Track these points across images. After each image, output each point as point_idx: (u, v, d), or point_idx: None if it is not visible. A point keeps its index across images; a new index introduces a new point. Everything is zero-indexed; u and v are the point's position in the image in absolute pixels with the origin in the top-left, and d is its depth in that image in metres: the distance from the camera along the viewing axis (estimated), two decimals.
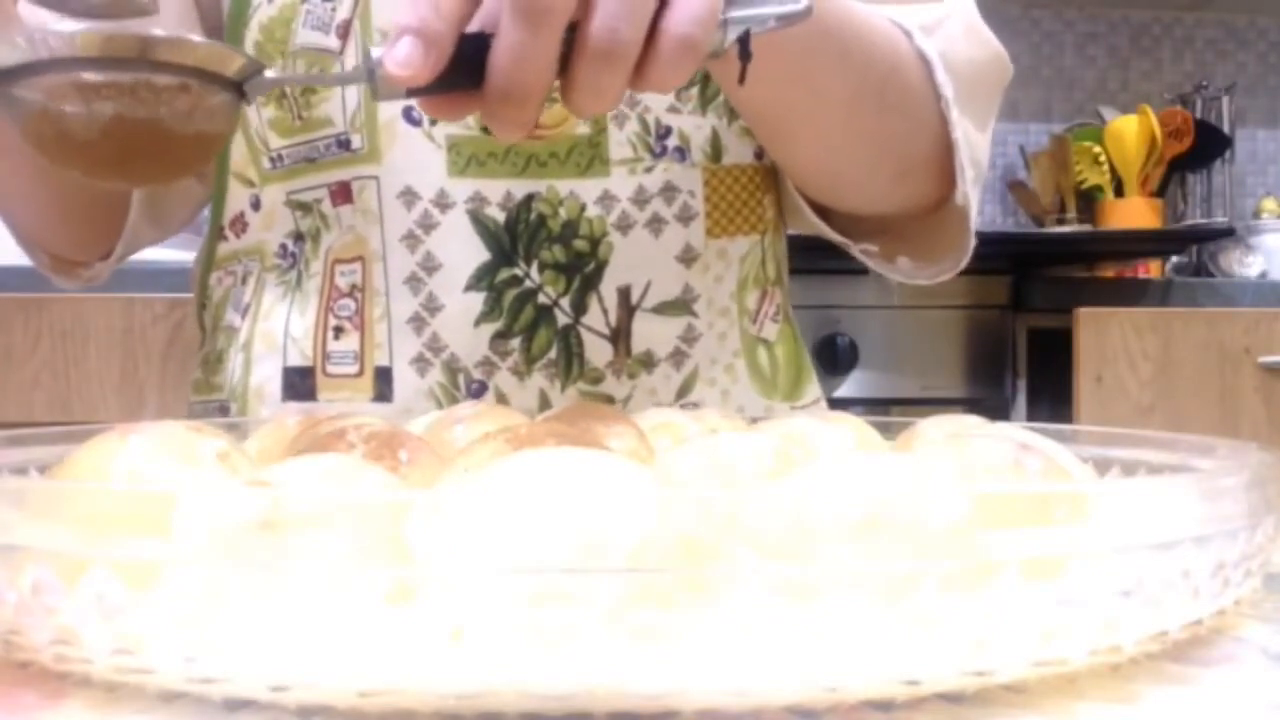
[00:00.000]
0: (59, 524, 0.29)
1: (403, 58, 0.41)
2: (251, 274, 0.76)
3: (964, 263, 0.75)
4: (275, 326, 0.74)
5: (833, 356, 1.72)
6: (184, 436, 0.38)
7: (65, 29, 0.42)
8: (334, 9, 0.69)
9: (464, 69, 0.42)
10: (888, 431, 0.53)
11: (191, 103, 0.42)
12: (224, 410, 0.76)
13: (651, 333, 0.72)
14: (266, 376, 0.73)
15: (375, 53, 0.42)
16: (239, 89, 0.44)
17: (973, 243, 0.73)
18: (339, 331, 0.72)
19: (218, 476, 0.37)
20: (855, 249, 0.78)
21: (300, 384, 0.72)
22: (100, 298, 1.61)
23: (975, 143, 0.69)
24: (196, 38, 0.44)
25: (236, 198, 0.76)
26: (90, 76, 0.41)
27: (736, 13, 0.44)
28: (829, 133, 0.67)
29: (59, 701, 0.29)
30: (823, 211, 0.77)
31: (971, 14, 0.71)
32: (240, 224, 0.77)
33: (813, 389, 0.82)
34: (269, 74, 0.46)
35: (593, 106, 0.44)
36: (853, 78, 0.63)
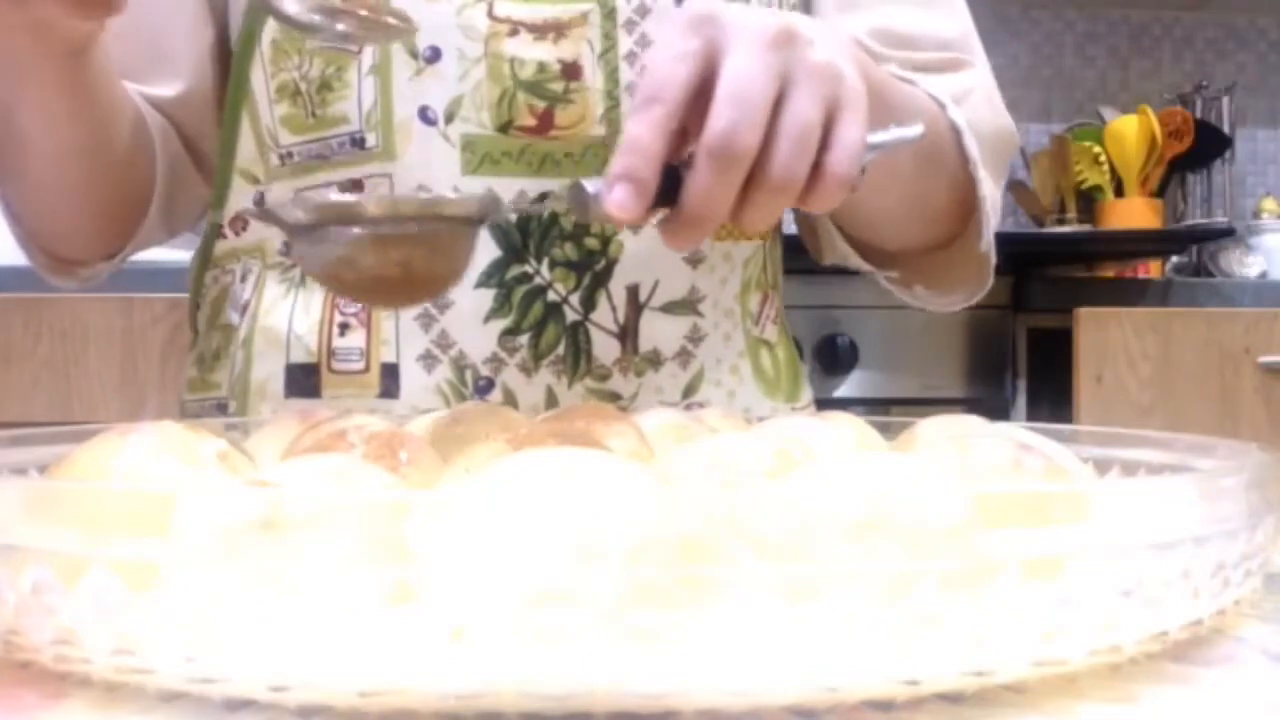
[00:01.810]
0: (59, 524, 0.29)
1: (620, 200, 0.48)
2: (251, 272, 0.76)
3: (978, 296, 0.81)
4: (278, 323, 0.74)
5: (833, 356, 1.72)
6: (184, 436, 0.38)
7: (349, 196, 0.56)
8: None
9: (658, 194, 0.49)
10: (888, 431, 0.53)
11: (452, 243, 0.53)
12: (222, 408, 0.76)
13: (658, 331, 0.73)
14: (268, 374, 0.73)
15: (589, 186, 0.49)
16: (480, 222, 0.54)
17: (990, 282, 0.80)
18: (344, 328, 0.72)
19: (218, 476, 0.37)
20: (881, 276, 0.82)
21: (304, 381, 0.73)
22: (100, 298, 1.61)
23: (993, 198, 0.75)
24: (453, 195, 0.57)
25: (239, 196, 0.76)
26: (385, 230, 0.51)
27: (874, 139, 0.51)
28: (884, 192, 0.72)
29: (59, 701, 0.29)
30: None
31: (991, 86, 0.79)
32: (240, 222, 0.77)
33: (807, 391, 0.84)
34: (505, 203, 0.55)
35: (761, 226, 0.51)
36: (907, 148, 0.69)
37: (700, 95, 0.48)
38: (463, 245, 0.53)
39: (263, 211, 0.53)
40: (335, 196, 0.53)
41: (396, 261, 0.50)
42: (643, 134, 0.48)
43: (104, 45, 0.66)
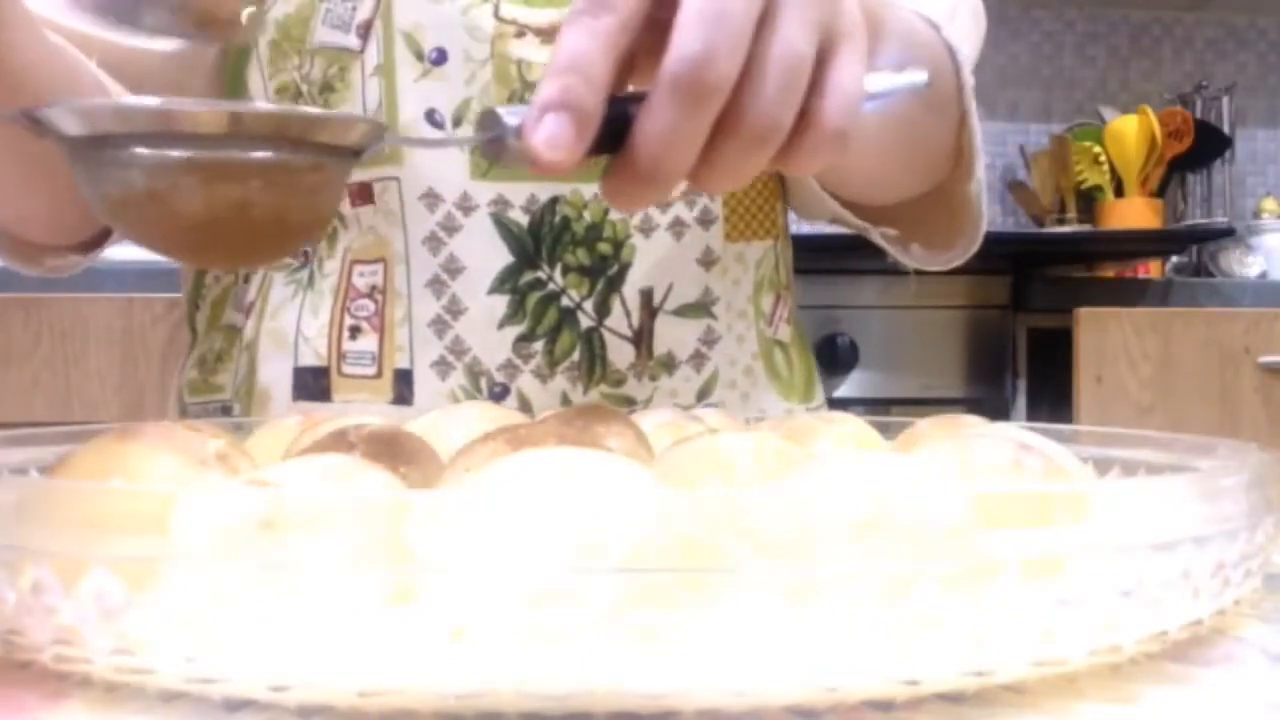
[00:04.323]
0: (59, 524, 0.29)
1: (553, 136, 0.36)
2: (255, 272, 0.75)
3: (974, 248, 0.74)
4: (285, 326, 0.73)
5: (833, 356, 1.72)
6: (184, 436, 0.38)
7: (155, 101, 0.36)
8: (354, 8, 0.69)
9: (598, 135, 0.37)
10: (888, 431, 0.53)
11: (321, 180, 0.37)
12: (226, 411, 0.76)
13: (672, 334, 0.73)
14: (275, 377, 0.73)
15: (508, 119, 0.37)
16: (356, 154, 0.39)
17: (984, 227, 0.73)
18: (355, 332, 0.71)
19: (218, 476, 0.37)
20: (875, 233, 0.77)
21: (313, 384, 0.72)
22: (100, 298, 1.61)
23: (979, 131, 0.69)
24: (320, 111, 0.40)
25: None
26: (214, 156, 0.35)
27: (873, 87, 0.42)
28: (876, 152, 0.66)
29: (59, 701, 0.29)
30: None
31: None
32: None
33: (820, 390, 0.83)
34: (387, 138, 0.41)
35: (727, 186, 0.41)
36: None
37: (660, 8, 0.38)
38: (334, 183, 0.38)
39: (23, 116, 0.36)
40: (134, 101, 0.35)
41: (231, 203, 0.35)
42: (587, 47, 0.37)
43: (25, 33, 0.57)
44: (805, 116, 0.39)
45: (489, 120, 0.38)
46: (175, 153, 0.34)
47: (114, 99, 0.37)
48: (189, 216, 0.35)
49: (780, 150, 0.39)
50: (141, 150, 0.35)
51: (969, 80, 0.66)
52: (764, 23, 0.38)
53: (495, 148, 0.38)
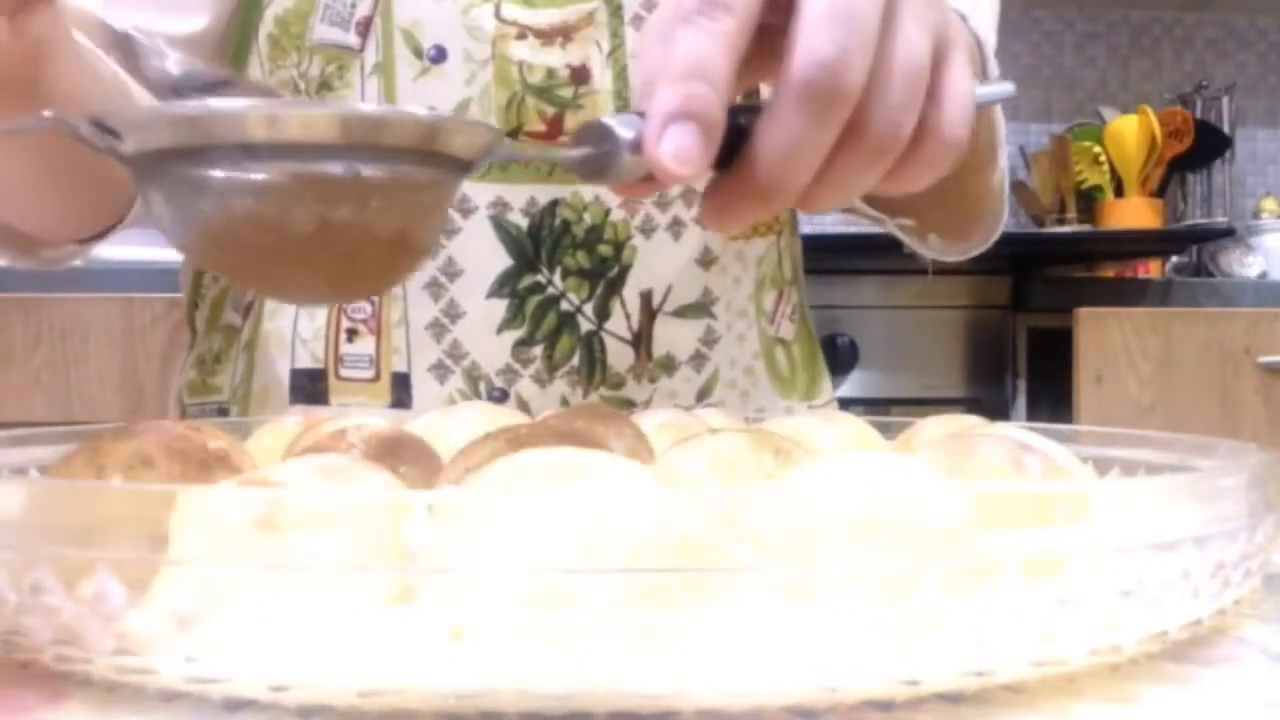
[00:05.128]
0: (59, 524, 0.29)
1: (680, 150, 0.33)
2: None
3: (994, 237, 0.73)
4: (282, 326, 0.73)
5: (833, 356, 1.72)
6: (184, 436, 0.38)
7: (237, 102, 0.30)
8: (354, 5, 0.68)
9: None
10: (888, 431, 0.53)
11: (438, 198, 0.32)
12: (223, 413, 0.76)
13: (672, 335, 0.72)
14: (272, 379, 0.73)
15: (621, 131, 0.33)
16: (468, 168, 0.33)
17: (1005, 216, 0.71)
18: (352, 334, 0.71)
19: (218, 476, 0.37)
20: (891, 223, 0.76)
21: (311, 387, 0.71)
22: (100, 298, 1.61)
23: (1003, 121, 0.68)
24: (445, 114, 0.33)
25: None
26: (320, 170, 0.28)
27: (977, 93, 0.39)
28: None
29: (59, 701, 0.29)
30: None
31: None
32: None
33: (827, 388, 0.83)
34: (507, 145, 0.35)
35: (835, 204, 0.37)
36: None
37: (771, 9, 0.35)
38: (447, 202, 0.33)
39: (88, 124, 0.30)
40: (229, 105, 0.29)
41: (336, 224, 0.29)
42: (707, 50, 0.33)
43: (67, 54, 0.56)
44: (922, 126, 0.37)
45: (597, 132, 0.34)
46: (283, 167, 0.28)
47: (201, 101, 0.31)
48: (294, 244, 0.29)
49: (894, 164, 0.37)
50: (239, 166, 0.29)
51: (995, 71, 0.65)
52: (883, 25, 0.35)
53: (602, 163, 0.34)
